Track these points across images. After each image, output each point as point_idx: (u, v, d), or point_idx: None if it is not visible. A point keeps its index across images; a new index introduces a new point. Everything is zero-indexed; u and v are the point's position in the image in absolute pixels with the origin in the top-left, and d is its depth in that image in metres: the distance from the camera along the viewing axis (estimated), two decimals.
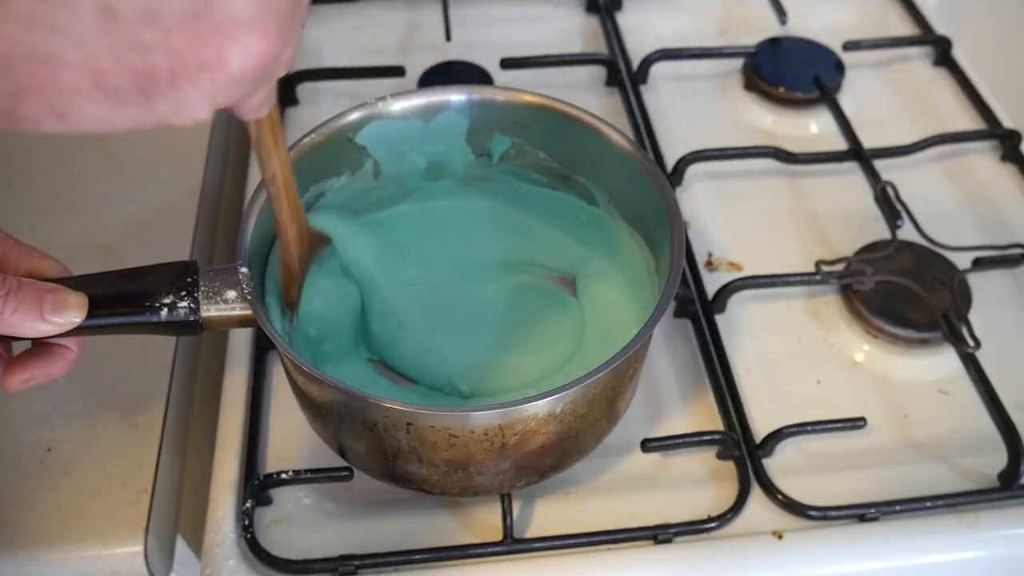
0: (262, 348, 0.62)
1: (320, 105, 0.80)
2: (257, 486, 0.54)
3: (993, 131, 0.78)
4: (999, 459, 0.57)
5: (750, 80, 0.83)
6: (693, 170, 0.74)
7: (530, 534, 0.54)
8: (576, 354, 0.56)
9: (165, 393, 0.58)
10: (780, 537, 0.54)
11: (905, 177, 0.72)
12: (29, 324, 0.40)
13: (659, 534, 0.54)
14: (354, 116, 0.56)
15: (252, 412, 0.59)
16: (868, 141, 0.75)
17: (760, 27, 0.88)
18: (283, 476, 0.54)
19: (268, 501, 0.56)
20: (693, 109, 0.82)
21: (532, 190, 0.62)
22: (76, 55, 0.26)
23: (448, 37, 0.84)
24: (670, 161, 0.74)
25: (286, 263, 0.50)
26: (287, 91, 0.79)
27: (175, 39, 0.27)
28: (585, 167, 0.59)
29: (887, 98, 0.84)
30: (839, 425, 0.58)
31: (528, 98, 0.58)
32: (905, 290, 0.64)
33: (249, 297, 0.46)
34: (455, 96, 0.58)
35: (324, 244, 0.54)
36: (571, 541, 0.53)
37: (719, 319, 0.65)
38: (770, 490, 0.56)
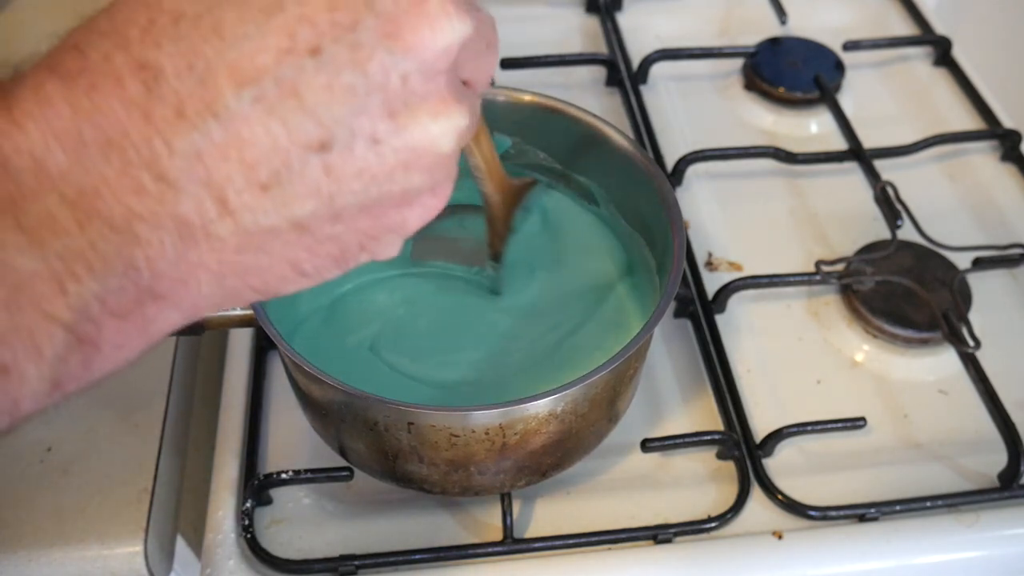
0: (262, 348, 0.62)
1: None
2: (257, 486, 0.54)
3: (993, 131, 0.78)
4: (999, 459, 0.57)
5: (750, 80, 0.83)
6: (693, 170, 0.74)
7: (530, 534, 0.54)
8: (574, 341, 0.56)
9: (165, 393, 0.58)
10: (780, 537, 0.54)
11: (905, 177, 0.72)
12: None
13: (659, 534, 0.54)
14: None
15: (252, 412, 0.59)
16: (868, 141, 0.75)
17: (760, 27, 0.88)
18: (283, 476, 0.54)
19: (268, 501, 0.56)
20: (693, 109, 0.82)
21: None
22: (279, 262, 0.29)
23: None
24: (670, 161, 0.74)
25: (491, 222, 0.53)
26: None
27: (360, 224, 0.30)
28: (585, 167, 0.59)
29: (887, 98, 0.84)
30: (839, 425, 0.58)
31: (528, 98, 0.58)
32: (905, 290, 0.64)
33: None
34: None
35: (528, 189, 0.55)
36: (571, 541, 0.53)
37: (719, 319, 0.65)
38: (770, 490, 0.56)
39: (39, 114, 0.26)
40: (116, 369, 0.29)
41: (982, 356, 0.61)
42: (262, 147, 0.27)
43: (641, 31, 0.88)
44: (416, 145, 0.29)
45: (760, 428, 0.59)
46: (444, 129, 0.29)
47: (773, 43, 0.84)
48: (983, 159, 0.78)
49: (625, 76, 0.82)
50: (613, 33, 0.86)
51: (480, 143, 0.47)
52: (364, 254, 0.31)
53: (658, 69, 0.83)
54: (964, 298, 0.65)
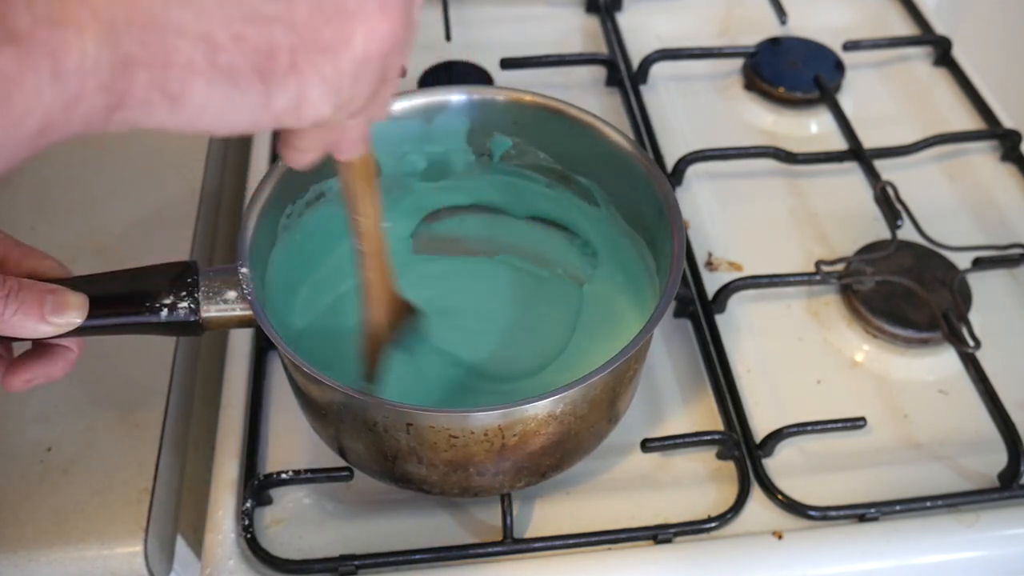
0: (262, 348, 0.62)
1: None
2: (257, 486, 0.54)
3: (993, 131, 0.78)
4: (999, 459, 0.57)
5: (750, 80, 0.83)
6: (693, 170, 0.74)
7: (530, 534, 0.54)
8: (573, 340, 0.56)
9: (165, 393, 0.58)
10: (780, 537, 0.54)
11: (905, 177, 0.72)
12: (30, 325, 0.40)
13: (659, 534, 0.54)
14: None
15: (252, 412, 0.59)
16: (868, 141, 0.75)
17: (760, 27, 0.88)
18: (283, 476, 0.54)
19: (268, 501, 0.56)
20: (693, 109, 0.82)
21: (532, 189, 0.62)
22: (190, 23, 0.23)
23: (448, 37, 0.84)
24: (670, 161, 0.74)
25: (369, 330, 0.48)
26: None
27: (297, 13, 0.25)
28: (585, 167, 0.59)
29: (887, 98, 0.84)
30: (839, 425, 0.58)
31: (528, 98, 0.58)
32: (905, 290, 0.64)
33: (249, 297, 0.46)
34: (455, 96, 0.58)
35: (414, 313, 0.50)
36: (571, 541, 0.53)
37: (719, 319, 0.65)
38: (770, 490, 0.56)
39: None
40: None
41: (982, 356, 0.61)
42: None
43: (641, 31, 0.88)
44: None
45: (760, 428, 0.59)
46: None
47: (773, 43, 0.84)
48: (983, 159, 0.78)
49: (625, 76, 0.82)
50: (613, 33, 0.86)
51: (372, 199, 0.42)
52: (292, 79, 0.25)
53: (658, 69, 0.83)
54: (964, 298, 0.65)
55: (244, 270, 0.47)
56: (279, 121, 0.27)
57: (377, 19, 0.26)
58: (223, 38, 0.23)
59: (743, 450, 0.58)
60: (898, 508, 0.55)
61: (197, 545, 0.61)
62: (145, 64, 0.23)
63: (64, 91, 0.22)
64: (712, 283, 0.66)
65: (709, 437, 0.57)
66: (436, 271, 0.61)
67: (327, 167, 0.57)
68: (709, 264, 0.69)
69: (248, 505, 0.54)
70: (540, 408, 0.46)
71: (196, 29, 0.23)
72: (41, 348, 0.43)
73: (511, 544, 0.53)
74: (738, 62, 0.84)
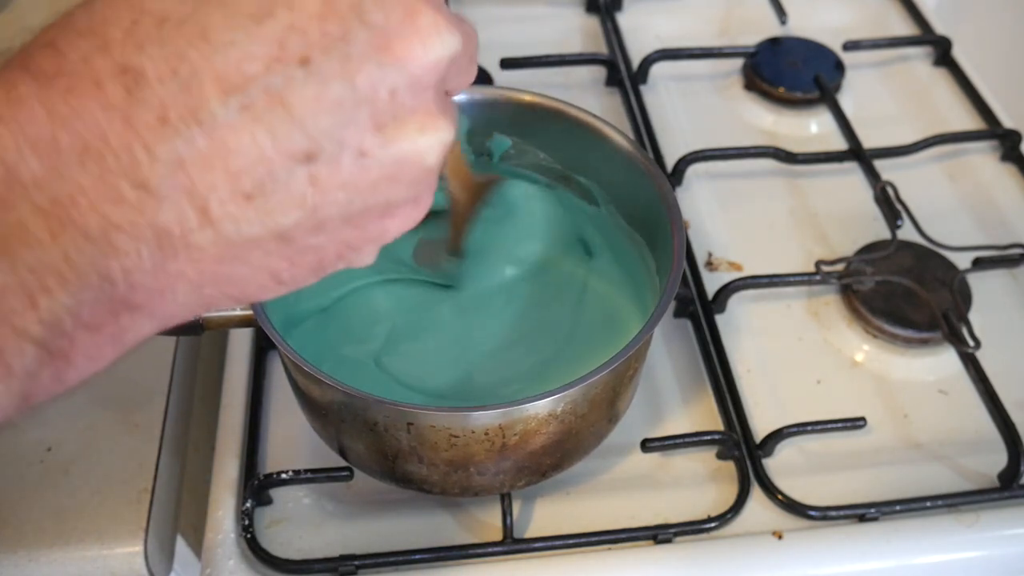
0: (262, 348, 0.62)
1: None
2: (257, 486, 0.54)
3: (993, 131, 0.78)
4: (999, 459, 0.57)
5: (750, 80, 0.83)
6: (693, 170, 0.74)
7: (530, 534, 0.54)
8: (573, 340, 0.56)
9: (165, 393, 0.58)
10: (780, 537, 0.54)
11: (905, 177, 0.72)
12: None
13: (659, 534, 0.54)
14: None
15: (252, 412, 0.59)
16: (868, 141, 0.75)
17: (760, 27, 0.88)
18: (283, 476, 0.54)
19: (268, 501, 0.56)
20: (693, 109, 0.82)
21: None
22: (259, 272, 0.29)
23: None
24: (670, 161, 0.74)
25: (456, 220, 0.53)
26: None
27: (342, 234, 0.29)
28: (585, 167, 0.59)
29: (887, 98, 0.84)
30: (839, 425, 0.58)
31: (528, 98, 0.58)
32: (905, 290, 0.64)
33: None
34: (455, 96, 0.57)
35: (491, 185, 0.55)
36: (571, 541, 0.54)
37: (719, 319, 0.65)
38: (770, 490, 0.56)
39: (11, 117, 0.24)
40: (85, 378, 0.29)
41: (982, 356, 0.61)
42: (248, 156, 0.26)
43: (641, 31, 0.88)
44: (402, 158, 0.28)
45: (760, 428, 0.59)
46: (431, 143, 0.29)
47: (773, 43, 0.84)
48: (983, 159, 0.78)
49: (625, 76, 0.82)
50: (613, 33, 0.86)
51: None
52: (342, 262, 0.31)
53: (658, 69, 0.83)
54: (964, 298, 0.65)
55: None
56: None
57: (409, 210, 0.31)
58: (283, 267, 0.29)
59: (743, 450, 0.58)
60: (898, 508, 0.55)
61: (197, 545, 0.61)
62: (225, 299, 0.29)
63: (159, 324, 0.29)
64: (712, 283, 0.66)
65: (709, 437, 0.57)
66: (429, 285, 0.60)
67: None
68: (709, 264, 0.69)
69: (248, 505, 0.54)
70: (541, 407, 0.46)
71: (263, 271, 0.29)
72: None
73: (511, 544, 0.53)
74: (738, 62, 0.84)
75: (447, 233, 0.60)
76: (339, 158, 0.27)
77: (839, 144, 0.77)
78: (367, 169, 0.28)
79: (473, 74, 0.33)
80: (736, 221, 0.72)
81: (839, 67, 0.82)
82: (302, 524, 0.55)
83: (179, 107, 0.25)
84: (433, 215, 0.61)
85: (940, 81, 0.85)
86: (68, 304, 0.25)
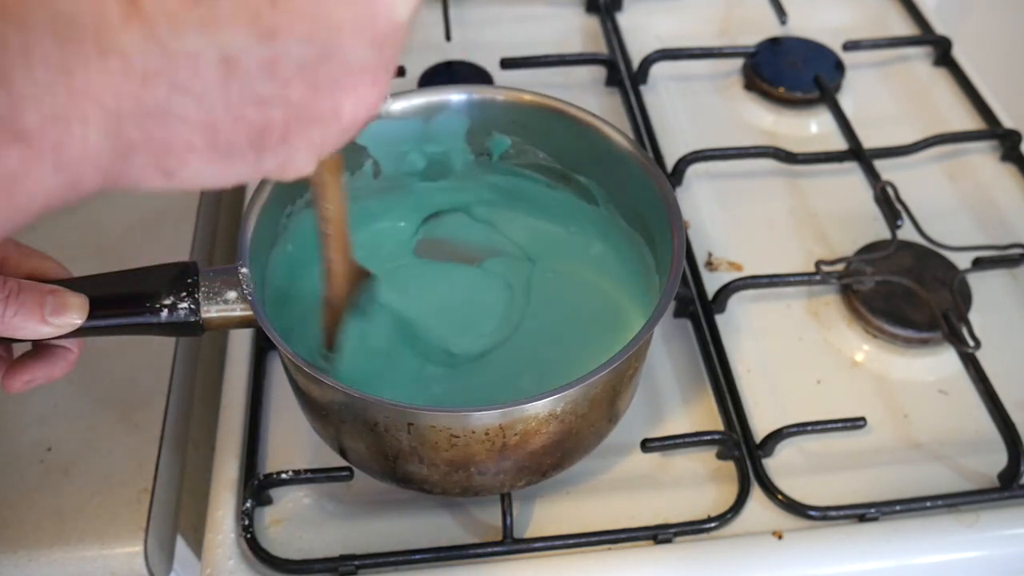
0: (262, 348, 0.62)
1: None
2: (257, 486, 0.54)
3: (993, 131, 0.78)
4: (999, 459, 0.57)
5: (750, 80, 0.83)
6: (693, 170, 0.74)
7: (530, 534, 0.54)
8: (573, 339, 0.56)
9: (165, 393, 0.58)
10: (780, 537, 0.54)
11: (905, 177, 0.72)
12: (30, 326, 0.40)
13: (659, 534, 0.54)
14: None
15: (252, 412, 0.59)
16: (868, 141, 0.75)
17: (760, 27, 0.88)
18: (283, 476, 0.54)
19: (268, 501, 0.56)
20: (693, 109, 0.82)
21: (532, 189, 0.62)
22: (192, 110, 0.23)
23: (448, 37, 0.84)
24: (670, 161, 0.74)
25: (330, 302, 0.49)
26: None
27: (293, 91, 0.25)
28: (585, 167, 0.59)
29: (887, 98, 0.84)
30: (839, 425, 0.58)
31: (528, 98, 0.58)
32: (905, 290, 0.64)
33: (250, 297, 0.46)
34: (455, 96, 0.58)
35: (366, 280, 0.52)
36: (571, 541, 0.54)
37: (719, 319, 0.65)
38: (770, 490, 0.56)
39: None
40: None
41: (982, 356, 0.61)
42: None
43: (641, 31, 0.88)
44: (373, 1, 0.25)
45: (760, 428, 0.59)
46: None
47: (773, 43, 0.84)
48: (983, 159, 0.78)
49: (625, 76, 0.82)
50: (613, 33, 0.86)
51: (338, 189, 0.43)
52: (283, 148, 0.26)
53: (658, 69, 0.83)
54: (964, 298, 0.65)
55: (244, 270, 0.47)
56: (263, 177, 0.28)
57: (367, 88, 0.27)
58: (222, 120, 0.24)
59: (743, 450, 0.58)
60: (898, 508, 0.55)
61: (197, 545, 0.61)
62: (145, 149, 0.23)
63: (65, 178, 0.22)
64: (712, 283, 0.66)
65: (709, 437, 0.57)
66: (437, 273, 0.61)
67: None
68: (709, 264, 0.69)
69: (248, 505, 0.54)
70: (541, 407, 0.46)
71: (197, 115, 0.23)
72: (41, 349, 0.43)
73: (511, 544, 0.53)
74: (738, 62, 0.84)
75: (449, 234, 0.60)
76: None
77: (839, 144, 0.77)
78: (334, 4, 0.24)
79: None
80: (736, 221, 0.72)
81: (839, 67, 0.82)
82: (302, 524, 0.55)
83: None
84: (438, 215, 0.62)
85: (940, 81, 0.85)
86: None
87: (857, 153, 0.74)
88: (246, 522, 0.54)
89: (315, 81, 0.25)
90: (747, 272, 0.68)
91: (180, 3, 0.21)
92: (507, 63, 0.80)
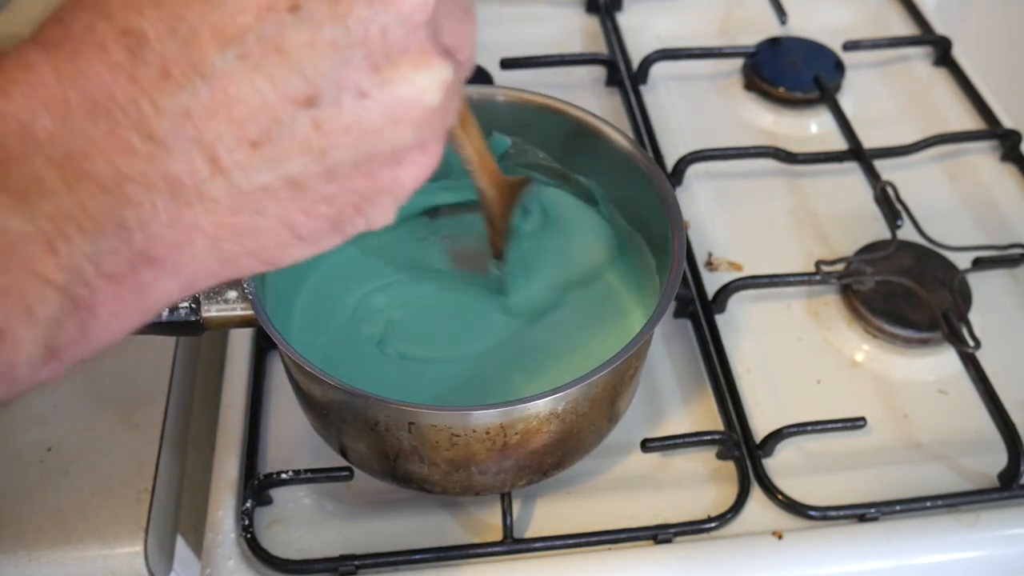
0: (262, 348, 0.62)
1: None
2: (257, 486, 0.54)
3: (993, 131, 0.78)
4: (999, 459, 0.57)
5: (750, 80, 0.83)
6: (693, 170, 0.74)
7: (530, 534, 0.54)
8: (574, 339, 0.56)
9: (165, 393, 0.58)
10: (780, 537, 0.54)
11: (905, 177, 0.72)
12: None
13: (659, 534, 0.54)
14: None
15: (252, 412, 0.59)
16: (868, 141, 0.75)
17: (760, 27, 0.88)
18: (283, 476, 0.54)
19: (268, 501, 0.56)
20: (693, 109, 0.82)
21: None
22: (275, 222, 0.29)
23: None
24: (670, 161, 0.74)
25: (490, 219, 0.54)
26: None
27: (354, 183, 0.30)
28: (585, 167, 0.59)
29: (887, 98, 0.84)
30: (839, 425, 0.58)
31: (528, 98, 0.58)
32: (905, 290, 0.64)
33: (250, 297, 0.46)
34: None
35: (523, 187, 0.55)
36: (571, 541, 0.54)
37: (719, 319, 0.65)
38: (770, 490, 0.56)
39: (23, 80, 0.26)
40: (113, 340, 0.29)
41: (982, 356, 0.61)
42: (250, 104, 0.27)
43: (641, 31, 0.88)
44: (402, 98, 0.29)
45: (760, 428, 0.59)
46: (428, 81, 0.29)
47: (773, 43, 0.84)
48: (983, 159, 0.78)
49: (625, 76, 0.82)
50: (613, 33, 0.86)
51: (470, 134, 0.48)
52: (360, 218, 0.31)
53: (658, 69, 0.83)
54: (964, 298, 0.65)
55: None
56: (356, 235, 0.32)
57: (419, 157, 0.31)
58: (301, 221, 0.30)
59: (743, 450, 0.58)
60: (898, 508, 0.55)
61: (197, 545, 0.61)
62: (245, 255, 0.30)
63: (182, 285, 0.29)
64: (712, 283, 0.66)
65: (709, 437, 0.57)
66: (435, 287, 0.60)
67: None
68: (709, 264, 0.69)
69: (248, 505, 0.54)
70: (542, 406, 0.46)
71: (279, 224, 0.29)
72: None
73: (511, 544, 0.53)
74: (738, 62, 0.84)
75: (476, 236, 0.60)
76: (339, 100, 0.28)
77: (839, 144, 0.77)
78: (368, 111, 0.28)
79: (472, 31, 0.34)
80: (736, 221, 0.72)
81: (839, 67, 0.82)
82: (302, 524, 0.55)
83: (180, 62, 0.26)
84: (453, 209, 0.62)
85: (940, 81, 0.85)
86: (87, 251, 0.26)
87: (857, 153, 0.74)
88: (246, 522, 0.54)
89: (370, 171, 0.30)
90: (747, 272, 0.68)
91: (247, 155, 0.27)
92: (507, 63, 0.80)
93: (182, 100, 0.26)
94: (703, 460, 0.58)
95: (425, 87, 0.29)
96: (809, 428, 0.58)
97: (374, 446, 0.49)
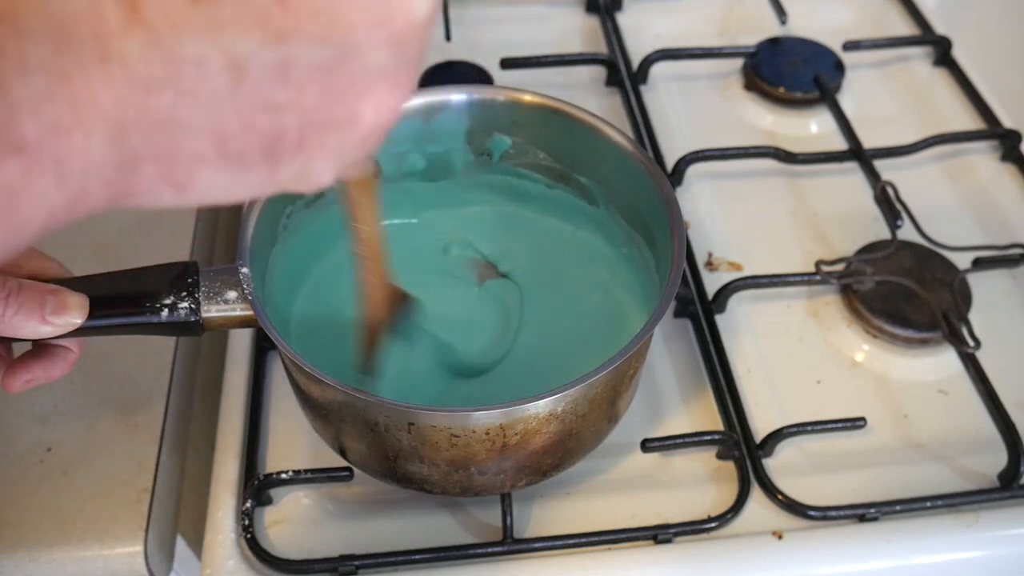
0: (262, 348, 0.62)
1: None
2: (257, 486, 0.54)
3: (993, 131, 0.78)
4: (999, 459, 0.57)
5: (750, 80, 0.83)
6: (693, 170, 0.74)
7: (530, 534, 0.54)
8: (574, 339, 0.56)
9: (165, 393, 0.58)
10: (780, 537, 0.54)
11: (905, 177, 0.72)
12: (30, 326, 0.40)
13: (659, 534, 0.54)
14: None
15: (252, 412, 0.59)
16: (868, 141, 0.75)
17: (760, 27, 0.88)
18: (283, 476, 0.54)
19: (268, 501, 0.56)
20: (693, 109, 0.82)
21: (532, 189, 0.62)
22: (200, 119, 0.22)
23: (448, 37, 0.84)
24: (670, 161, 0.74)
25: (368, 325, 0.49)
26: None
27: (307, 96, 0.24)
28: (585, 167, 0.59)
29: (887, 98, 0.84)
30: (839, 425, 0.58)
31: (528, 98, 0.58)
32: (905, 290, 0.64)
33: (250, 297, 0.46)
34: (455, 96, 0.58)
35: (405, 302, 0.51)
36: (571, 541, 0.54)
37: (719, 319, 0.65)
38: (770, 490, 0.56)
39: None
40: None
41: (982, 356, 0.61)
42: None
43: (641, 31, 0.88)
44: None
45: (760, 428, 0.59)
46: None
47: (773, 43, 0.84)
48: (983, 159, 0.78)
49: (625, 76, 0.82)
50: (613, 33, 0.86)
51: (373, 207, 0.43)
52: (299, 156, 0.25)
53: (658, 69, 0.83)
54: (964, 298, 0.65)
55: (244, 270, 0.47)
56: (283, 190, 0.27)
57: (387, 92, 0.25)
58: (233, 128, 0.23)
59: (743, 450, 0.58)
60: (898, 508, 0.55)
61: (197, 545, 0.61)
62: (152, 160, 0.22)
63: (68, 192, 0.22)
64: (712, 283, 0.66)
65: (709, 437, 0.57)
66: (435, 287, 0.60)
67: None
68: (709, 264, 0.69)
69: (248, 505, 0.54)
70: (541, 407, 0.46)
71: (206, 123, 0.23)
72: (41, 348, 0.43)
73: (511, 544, 0.53)
74: (738, 62, 0.84)
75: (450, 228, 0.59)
76: None
77: (839, 144, 0.77)
78: (347, 3, 0.23)
79: None
80: (736, 221, 0.72)
81: (839, 67, 0.82)
82: (302, 524, 0.55)
83: None
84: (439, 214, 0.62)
85: (940, 81, 0.85)
86: None
87: (857, 153, 0.74)
88: (246, 522, 0.54)
89: (330, 86, 0.24)
90: (747, 272, 0.68)
91: (182, 7, 0.20)
92: (507, 63, 0.80)
93: None
94: (703, 460, 0.58)
95: None
96: (809, 428, 0.58)
97: (374, 446, 0.49)
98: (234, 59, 0.22)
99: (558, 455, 0.50)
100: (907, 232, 0.68)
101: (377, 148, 0.27)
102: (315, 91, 0.24)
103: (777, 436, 0.57)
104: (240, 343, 0.63)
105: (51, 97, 0.19)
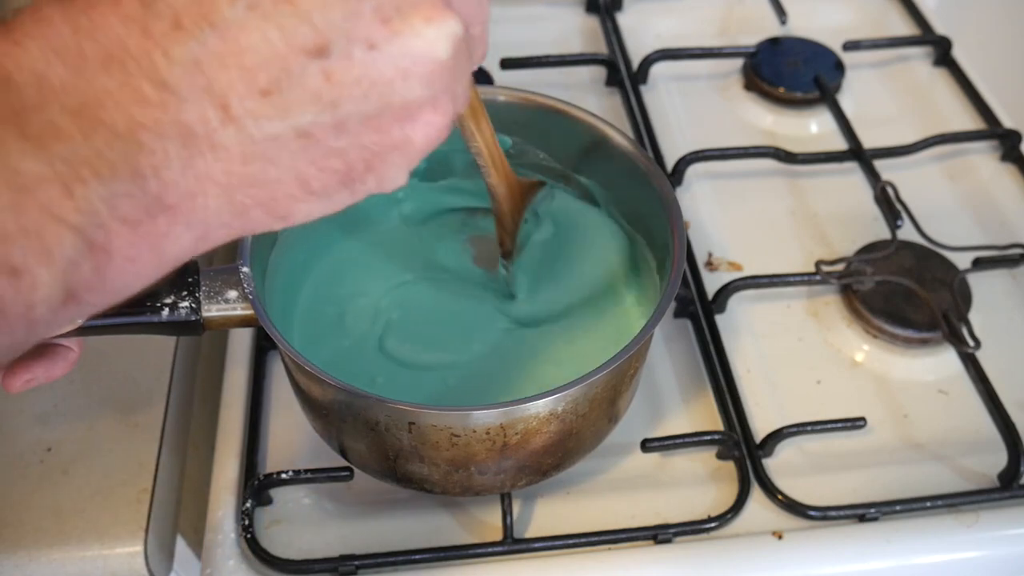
0: (262, 348, 0.62)
1: None
2: (257, 486, 0.54)
3: (993, 131, 0.78)
4: (999, 459, 0.57)
5: (750, 80, 0.83)
6: (693, 170, 0.74)
7: (530, 534, 0.54)
8: (574, 339, 0.56)
9: (165, 393, 0.58)
10: (780, 537, 0.55)
11: (905, 177, 0.72)
12: None
13: (659, 534, 0.54)
14: None
15: (252, 412, 0.59)
16: (868, 141, 0.75)
17: (760, 27, 0.88)
18: (283, 476, 0.54)
19: (268, 501, 0.56)
20: (693, 109, 0.82)
21: None
22: (285, 173, 0.29)
23: None
24: (670, 161, 0.74)
25: (499, 217, 0.54)
26: None
27: (363, 138, 0.30)
28: (585, 167, 0.59)
29: (887, 98, 0.84)
30: (839, 425, 0.58)
31: (528, 98, 0.58)
32: (905, 290, 0.64)
33: (250, 297, 0.46)
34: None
35: (536, 190, 0.55)
36: (571, 541, 0.54)
37: (719, 319, 0.65)
38: (770, 490, 0.56)
39: (38, 33, 0.26)
40: (129, 288, 0.30)
41: (982, 356, 0.61)
42: (260, 53, 0.27)
43: (641, 31, 0.88)
44: (412, 51, 0.29)
45: (760, 428, 0.59)
46: (438, 34, 0.30)
47: (773, 43, 0.84)
48: (983, 159, 0.78)
49: (625, 76, 0.82)
50: (613, 33, 0.86)
51: (480, 127, 0.48)
52: (371, 175, 0.31)
53: (658, 69, 0.83)
54: (964, 298, 0.65)
55: (245, 269, 0.47)
56: (369, 195, 0.32)
57: (429, 115, 0.31)
58: (311, 173, 0.30)
59: (743, 450, 0.58)
60: (898, 508, 0.55)
61: (197, 545, 0.61)
62: (256, 206, 0.30)
63: (194, 234, 0.30)
64: (712, 283, 0.66)
65: (709, 437, 0.57)
66: (438, 288, 0.60)
67: None
68: (709, 264, 0.69)
69: (248, 505, 0.54)
70: (541, 407, 0.46)
71: (290, 175, 0.30)
72: (41, 348, 0.43)
73: (511, 544, 0.53)
74: (738, 62, 0.84)
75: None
76: (350, 52, 0.28)
77: (839, 144, 0.77)
78: (378, 63, 0.29)
79: (484, 6, 0.34)
80: (736, 221, 0.72)
81: (839, 67, 0.82)
82: (302, 524, 0.55)
83: (191, 13, 0.27)
84: (480, 212, 0.62)
85: (940, 81, 0.85)
86: (102, 194, 0.27)
87: (857, 153, 0.74)
88: (246, 522, 0.54)
89: (380, 126, 0.30)
90: (747, 272, 0.68)
91: (258, 102, 0.28)
92: (507, 63, 0.80)
93: (193, 50, 0.27)
94: (703, 460, 0.58)
95: (435, 40, 0.29)
96: (809, 428, 0.58)
97: (374, 446, 0.49)
98: (300, 128, 0.29)
99: (558, 455, 0.50)
100: (907, 232, 0.68)
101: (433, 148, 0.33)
102: (369, 132, 0.30)
103: (777, 436, 0.57)
104: (240, 343, 0.63)
105: (183, 175, 0.28)
